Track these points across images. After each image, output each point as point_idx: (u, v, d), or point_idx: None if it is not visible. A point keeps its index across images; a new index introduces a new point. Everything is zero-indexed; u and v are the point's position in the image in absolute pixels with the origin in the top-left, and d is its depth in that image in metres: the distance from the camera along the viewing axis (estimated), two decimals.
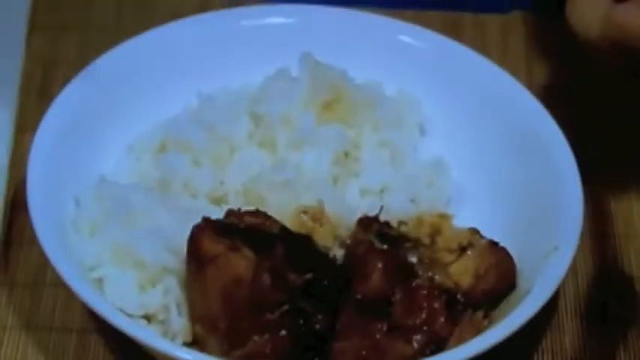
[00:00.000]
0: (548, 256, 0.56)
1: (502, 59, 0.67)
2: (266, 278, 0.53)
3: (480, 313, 0.56)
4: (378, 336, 0.54)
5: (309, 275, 0.53)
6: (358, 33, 0.65)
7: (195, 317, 0.55)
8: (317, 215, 0.57)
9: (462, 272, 0.56)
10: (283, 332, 0.53)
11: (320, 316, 0.53)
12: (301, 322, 0.53)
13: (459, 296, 0.56)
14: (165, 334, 0.56)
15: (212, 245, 0.54)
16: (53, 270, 0.54)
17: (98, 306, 0.53)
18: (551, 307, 0.59)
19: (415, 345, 0.53)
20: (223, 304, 0.53)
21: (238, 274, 0.53)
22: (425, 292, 0.54)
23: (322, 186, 0.58)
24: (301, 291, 0.53)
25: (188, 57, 0.64)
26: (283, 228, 0.56)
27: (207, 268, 0.54)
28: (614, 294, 0.61)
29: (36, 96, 0.66)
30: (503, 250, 0.58)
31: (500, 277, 0.57)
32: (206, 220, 0.55)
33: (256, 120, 0.62)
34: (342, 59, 0.63)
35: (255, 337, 0.53)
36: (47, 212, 0.56)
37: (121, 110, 0.62)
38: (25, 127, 0.64)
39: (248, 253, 0.54)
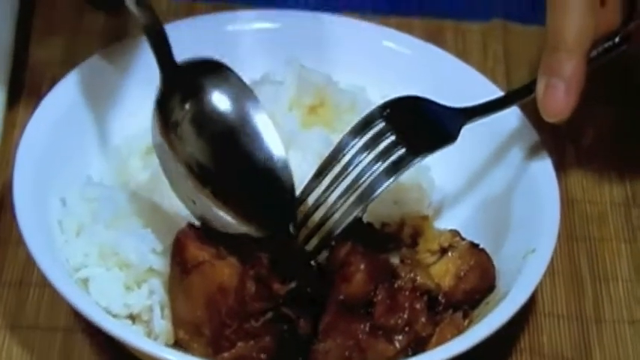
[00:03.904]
0: (526, 257, 0.54)
1: (482, 64, 0.66)
2: (250, 286, 0.50)
3: (460, 314, 0.53)
4: (360, 336, 0.51)
5: (292, 284, 0.50)
6: (343, 38, 0.63)
7: (178, 322, 0.52)
8: (303, 211, 0.53)
9: (442, 273, 0.54)
10: (267, 338, 0.50)
11: (302, 322, 0.50)
12: (285, 327, 0.50)
13: (439, 297, 0.53)
14: (149, 335, 0.53)
15: (197, 252, 0.51)
16: (39, 270, 0.51)
17: (82, 306, 0.50)
18: (529, 307, 0.57)
19: (397, 345, 0.51)
20: (208, 310, 0.50)
21: (223, 282, 0.50)
22: (407, 292, 0.52)
23: None
24: (285, 299, 0.50)
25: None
26: None
27: (192, 274, 0.51)
28: (589, 295, 0.58)
29: (24, 96, 0.63)
30: (483, 251, 0.55)
31: (480, 278, 0.55)
32: (190, 226, 0.52)
33: None
34: (326, 64, 0.61)
35: (240, 344, 0.50)
36: (33, 212, 0.53)
37: (108, 112, 0.59)
38: (13, 127, 0.61)
39: (233, 261, 0.51)
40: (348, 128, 0.58)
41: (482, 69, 0.63)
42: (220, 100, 0.50)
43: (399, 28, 0.64)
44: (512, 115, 0.59)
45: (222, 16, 0.62)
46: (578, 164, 0.63)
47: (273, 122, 0.58)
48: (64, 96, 0.58)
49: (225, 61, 0.61)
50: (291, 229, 0.51)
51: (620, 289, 0.59)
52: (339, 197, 0.52)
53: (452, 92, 0.60)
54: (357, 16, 0.64)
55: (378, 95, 0.61)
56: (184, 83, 0.50)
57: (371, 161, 0.51)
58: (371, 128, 0.52)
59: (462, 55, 0.64)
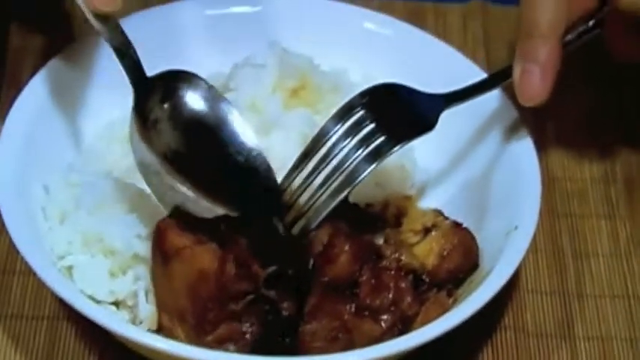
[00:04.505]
0: (509, 235, 0.53)
1: (462, 46, 0.65)
2: (230, 269, 0.49)
3: (444, 293, 0.52)
4: (346, 317, 0.50)
5: (272, 268, 0.49)
6: (324, 21, 0.61)
7: (162, 310, 0.51)
8: (287, 195, 0.52)
9: (426, 252, 0.54)
10: (251, 320, 0.49)
11: (286, 304, 0.49)
12: (267, 309, 0.49)
13: (423, 276, 0.52)
14: (133, 320, 0.52)
15: (176, 239, 0.50)
16: (22, 258, 0.50)
17: (65, 293, 0.49)
18: (512, 285, 0.56)
19: (383, 325, 0.50)
20: (190, 297, 0.49)
21: (203, 268, 0.49)
22: (392, 272, 0.51)
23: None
24: (266, 281, 0.49)
25: (156, 46, 0.59)
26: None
27: (173, 262, 0.50)
28: (571, 271, 0.58)
29: (5, 85, 0.61)
30: (466, 230, 0.55)
31: (464, 257, 0.54)
32: (171, 216, 0.51)
33: None
34: (308, 47, 0.59)
35: (223, 326, 0.49)
36: (16, 200, 0.52)
37: (91, 98, 0.58)
38: None
39: (212, 246, 0.50)
40: (330, 110, 0.57)
41: (463, 50, 0.61)
42: (194, 102, 0.50)
43: (381, 10, 0.63)
44: (493, 95, 0.58)
45: (204, 0, 0.61)
46: (558, 142, 0.63)
47: (255, 105, 0.57)
48: (45, 84, 0.56)
49: (208, 45, 0.60)
50: (275, 221, 0.51)
51: (601, 265, 0.58)
52: (322, 184, 0.51)
53: (433, 73, 0.59)
54: None
55: (360, 77, 0.60)
56: (157, 92, 0.50)
57: (352, 148, 0.51)
58: (351, 115, 0.52)
59: (443, 36, 0.63)
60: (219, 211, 0.50)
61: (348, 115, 0.52)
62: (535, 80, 0.54)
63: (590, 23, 0.56)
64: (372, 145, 0.51)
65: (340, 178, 0.50)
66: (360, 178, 0.50)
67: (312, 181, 0.51)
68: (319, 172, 0.51)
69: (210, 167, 0.50)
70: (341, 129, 0.51)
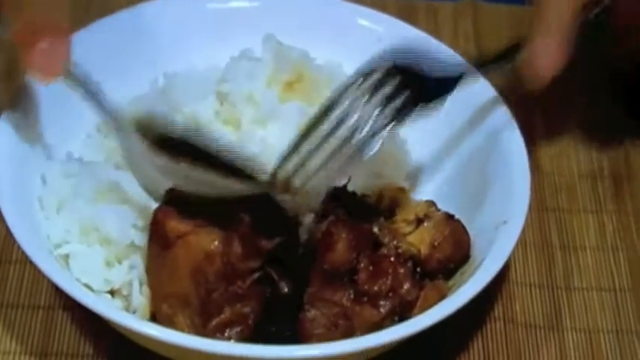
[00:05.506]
0: (499, 228, 0.52)
1: (453, 42, 0.64)
2: (237, 248, 0.48)
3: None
4: (345, 303, 0.49)
5: (278, 239, 0.48)
6: (319, 16, 0.61)
7: (161, 297, 0.50)
8: (286, 186, 0.51)
9: (418, 242, 0.53)
10: (253, 301, 0.48)
11: (286, 283, 0.49)
12: (268, 290, 0.48)
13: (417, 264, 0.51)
14: (127, 309, 0.51)
15: (177, 225, 0.49)
16: (19, 247, 0.48)
17: (61, 281, 0.48)
18: (502, 277, 0.55)
19: (382, 310, 0.50)
20: (194, 280, 0.48)
21: (209, 249, 0.48)
22: (390, 259, 0.50)
23: None
24: (272, 253, 0.48)
25: (155, 38, 0.58)
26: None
27: (175, 247, 0.49)
28: (559, 264, 0.57)
29: (4, 74, 0.60)
30: (458, 221, 0.54)
31: (455, 247, 0.53)
32: (167, 203, 0.50)
33: (221, 99, 0.57)
34: (303, 41, 0.59)
35: (227, 308, 0.48)
36: (13, 189, 0.51)
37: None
38: None
39: (215, 229, 0.49)
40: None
41: (454, 46, 0.61)
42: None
43: (373, 6, 0.62)
44: (484, 92, 0.58)
45: None
46: (547, 138, 0.62)
47: (251, 98, 0.56)
48: None
49: (205, 38, 0.59)
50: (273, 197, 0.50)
51: (589, 258, 0.58)
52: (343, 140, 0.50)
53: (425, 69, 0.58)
54: None
55: (353, 70, 0.59)
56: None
57: (374, 106, 0.50)
58: (372, 76, 0.51)
59: (434, 33, 0.62)
60: (218, 182, 0.49)
61: (369, 76, 0.50)
62: (550, 50, 0.52)
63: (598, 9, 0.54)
64: (395, 104, 0.49)
65: (362, 135, 0.49)
66: (380, 135, 0.49)
67: (330, 136, 0.50)
68: (337, 130, 0.50)
69: (203, 153, 0.50)
70: (363, 85, 0.50)
